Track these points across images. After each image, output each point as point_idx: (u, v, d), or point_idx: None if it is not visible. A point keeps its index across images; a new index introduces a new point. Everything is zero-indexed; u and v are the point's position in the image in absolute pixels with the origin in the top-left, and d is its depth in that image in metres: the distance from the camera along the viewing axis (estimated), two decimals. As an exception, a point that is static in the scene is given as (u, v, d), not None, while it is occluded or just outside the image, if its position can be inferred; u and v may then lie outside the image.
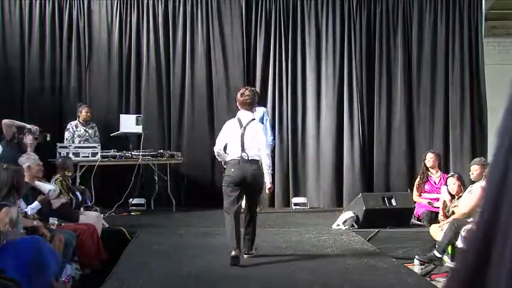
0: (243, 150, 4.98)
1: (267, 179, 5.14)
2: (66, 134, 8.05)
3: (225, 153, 5.16)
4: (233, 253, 4.76)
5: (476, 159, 6.45)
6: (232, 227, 4.89)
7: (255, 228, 5.17)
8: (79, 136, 8.06)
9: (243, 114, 5.16)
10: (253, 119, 5.25)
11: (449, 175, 6.69)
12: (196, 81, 8.96)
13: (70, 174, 6.34)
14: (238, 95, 5.26)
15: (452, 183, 6.27)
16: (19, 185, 4.47)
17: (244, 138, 5.01)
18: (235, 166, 4.97)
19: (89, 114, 8.16)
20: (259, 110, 6.64)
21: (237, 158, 4.98)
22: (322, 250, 5.44)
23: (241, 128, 5.06)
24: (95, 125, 8.30)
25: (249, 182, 4.96)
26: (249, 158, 4.97)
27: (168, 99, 8.99)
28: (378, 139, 9.02)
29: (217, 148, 5.16)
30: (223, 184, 5.11)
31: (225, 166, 5.27)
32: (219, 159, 5.43)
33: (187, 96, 8.97)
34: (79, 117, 8.14)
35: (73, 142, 7.91)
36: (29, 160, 5.51)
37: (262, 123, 6.50)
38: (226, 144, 5.16)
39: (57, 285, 4.19)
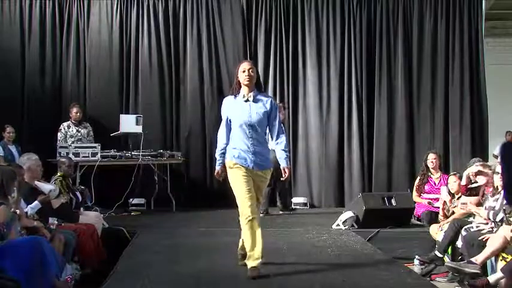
0: None
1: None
2: (59, 135, 8.07)
3: None
4: None
5: (474, 160, 6.45)
6: None
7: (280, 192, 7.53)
8: (71, 136, 8.08)
9: None
10: None
11: (451, 174, 6.69)
12: (196, 80, 8.96)
13: (62, 174, 6.27)
14: None
15: (453, 181, 6.26)
16: (7, 185, 4.42)
17: None
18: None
19: (78, 114, 8.18)
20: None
21: None
22: (322, 250, 5.43)
23: None
24: (88, 124, 8.32)
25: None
26: None
27: (169, 99, 8.99)
28: (378, 139, 9.02)
29: None
30: None
31: None
32: None
33: (187, 96, 8.98)
34: (71, 117, 8.16)
35: (66, 142, 7.92)
36: (29, 160, 5.50)
37: None
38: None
39: (59, 285, 4.19)
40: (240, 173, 4.43)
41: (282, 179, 4.66)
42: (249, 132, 4.49)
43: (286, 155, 4.56)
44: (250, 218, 4.33)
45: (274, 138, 4.58)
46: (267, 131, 4.62)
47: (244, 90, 4.57)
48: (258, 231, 4.37)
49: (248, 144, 4.47)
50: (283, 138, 4.59)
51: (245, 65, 4.59)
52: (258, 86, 4.62)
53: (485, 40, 9.38)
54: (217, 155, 4.59)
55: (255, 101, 4.55)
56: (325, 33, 9.08)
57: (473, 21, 9.08)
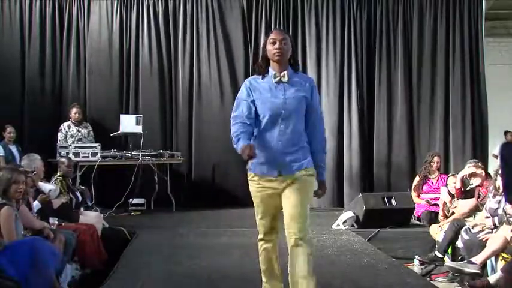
0: None
1: None
2: (59, 135, 8.06)
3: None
4: None
5: (471, 161, 6.45)
6: None
7: None
8: (72, 136, 8.08)
9: None
10: None
11: (450, 175, 6.69)
12: (196, 80, 8.95)
13: (62, 174, 6.25)
14: None
15: (453, 183, 6.27)
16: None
17: None
18: None
19: (78, 114, 8.17)
20: None
21: None
22: (322, 250, 5.43)
23: None
24: (88, 124, 8.32)
25: None
26: None
27: (169, 99, 8.98)
28: (378, 139, 9.01)
29: None
30: None
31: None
32: None
33: (187, 96, 8.97)
34: (70, 117, 8.17)
35: (66, 142, 7.93)
36: (36, 161, 5.51)
37: None
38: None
39: (59, 287, 4.19)
40: (259, 189, 3.35)
41: (314, 196, 3.42)
42: (281, 123, 3.29)
43: (323, 163, 3.40)
44: (262, 242, 3.43)
45: (311, 132, 3.38)
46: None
47: (274, 68, 3.36)
48: (274, 258, 3.43)
49: (278, 142, 3.28)
50: (322, 137, 3.43)
51: (275, 35, 3.33)
52: (292, 64, 3.41)
53: (485, 40, 9.37)
54: (234, 138, 3.27)
55: (291, 82, 3.34)
56: (325, 33, 9.06)
57: (473, 21, 9.07)
